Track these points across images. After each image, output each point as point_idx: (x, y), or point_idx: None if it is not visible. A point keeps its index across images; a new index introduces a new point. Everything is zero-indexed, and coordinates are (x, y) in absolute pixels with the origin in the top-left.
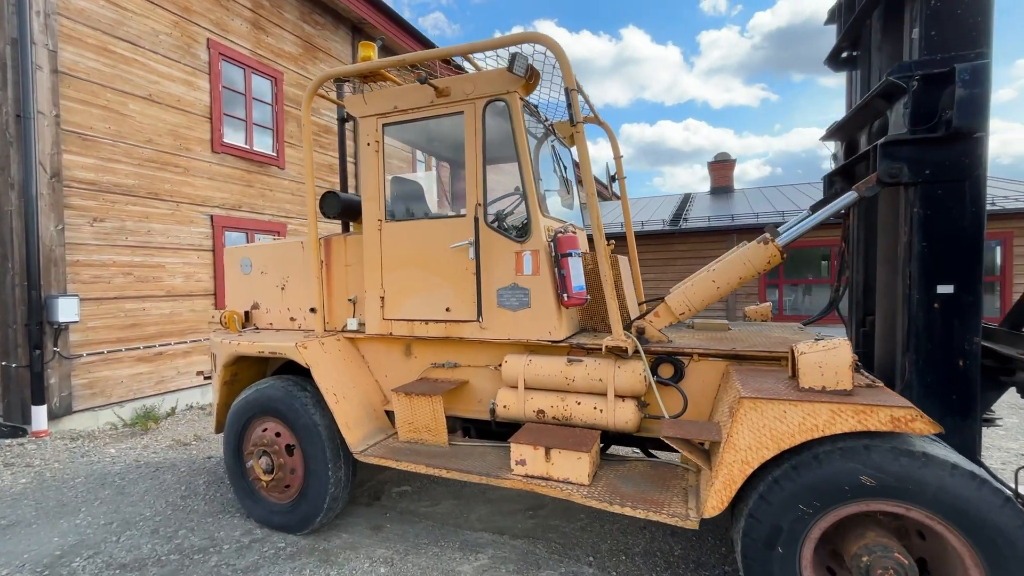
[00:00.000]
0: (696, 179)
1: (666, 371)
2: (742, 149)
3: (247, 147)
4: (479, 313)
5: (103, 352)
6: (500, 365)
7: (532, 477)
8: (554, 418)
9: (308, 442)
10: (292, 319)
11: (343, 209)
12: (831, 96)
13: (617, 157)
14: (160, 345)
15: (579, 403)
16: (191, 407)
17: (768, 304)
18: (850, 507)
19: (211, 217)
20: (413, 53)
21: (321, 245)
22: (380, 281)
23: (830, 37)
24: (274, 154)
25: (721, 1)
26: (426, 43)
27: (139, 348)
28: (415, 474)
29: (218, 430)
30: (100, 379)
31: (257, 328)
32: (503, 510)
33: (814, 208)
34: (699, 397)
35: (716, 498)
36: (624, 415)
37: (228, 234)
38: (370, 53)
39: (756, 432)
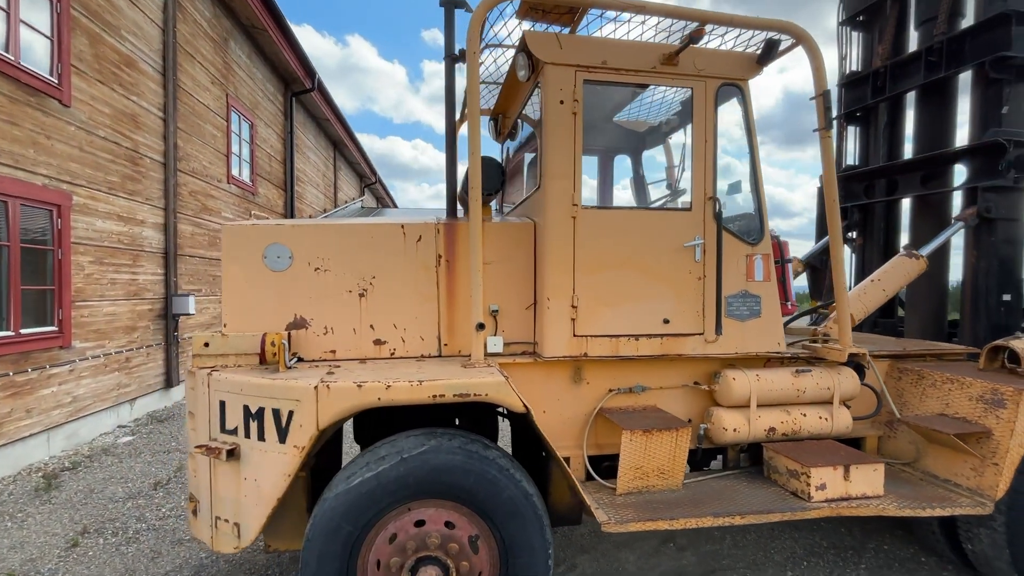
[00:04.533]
0: (425, 197)
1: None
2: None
3: (9, 57)
4: (718, 325)
5: None
6: (697, 383)
7: (834, 501)
8: (783, 434)
9: (514, 526)
10: (379, 342)
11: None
12: None
13: (670, 167)
14: None
15: (804, 415)
16: None
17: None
18: None
19: None
20: (655, 2)
21: (439, 232)
22: (571, 286)
23: None
24: (54, 79)
25: (439, 36)
26: (274, 10)
27: None
28: None
29: (256, 535)
30: None
31: (300, 358)
32: (646, 550)
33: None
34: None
35: (1004, 481)
36: (845, 420)
37: None
38: None
39: None
